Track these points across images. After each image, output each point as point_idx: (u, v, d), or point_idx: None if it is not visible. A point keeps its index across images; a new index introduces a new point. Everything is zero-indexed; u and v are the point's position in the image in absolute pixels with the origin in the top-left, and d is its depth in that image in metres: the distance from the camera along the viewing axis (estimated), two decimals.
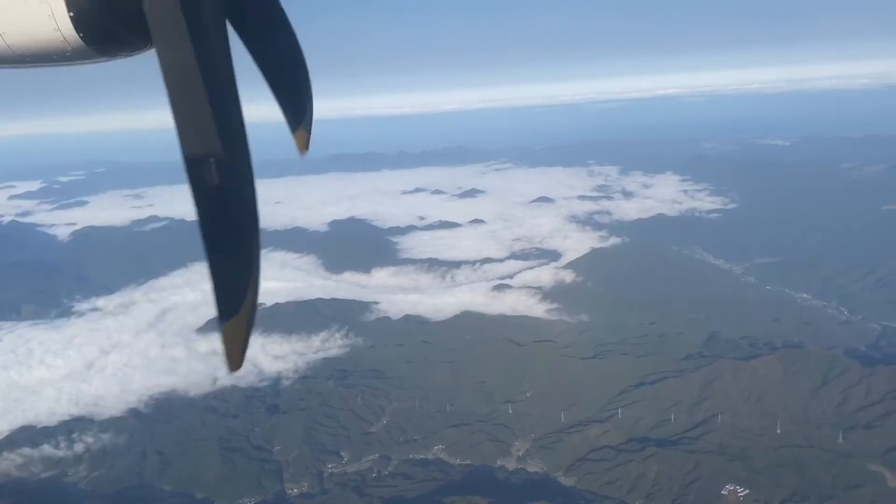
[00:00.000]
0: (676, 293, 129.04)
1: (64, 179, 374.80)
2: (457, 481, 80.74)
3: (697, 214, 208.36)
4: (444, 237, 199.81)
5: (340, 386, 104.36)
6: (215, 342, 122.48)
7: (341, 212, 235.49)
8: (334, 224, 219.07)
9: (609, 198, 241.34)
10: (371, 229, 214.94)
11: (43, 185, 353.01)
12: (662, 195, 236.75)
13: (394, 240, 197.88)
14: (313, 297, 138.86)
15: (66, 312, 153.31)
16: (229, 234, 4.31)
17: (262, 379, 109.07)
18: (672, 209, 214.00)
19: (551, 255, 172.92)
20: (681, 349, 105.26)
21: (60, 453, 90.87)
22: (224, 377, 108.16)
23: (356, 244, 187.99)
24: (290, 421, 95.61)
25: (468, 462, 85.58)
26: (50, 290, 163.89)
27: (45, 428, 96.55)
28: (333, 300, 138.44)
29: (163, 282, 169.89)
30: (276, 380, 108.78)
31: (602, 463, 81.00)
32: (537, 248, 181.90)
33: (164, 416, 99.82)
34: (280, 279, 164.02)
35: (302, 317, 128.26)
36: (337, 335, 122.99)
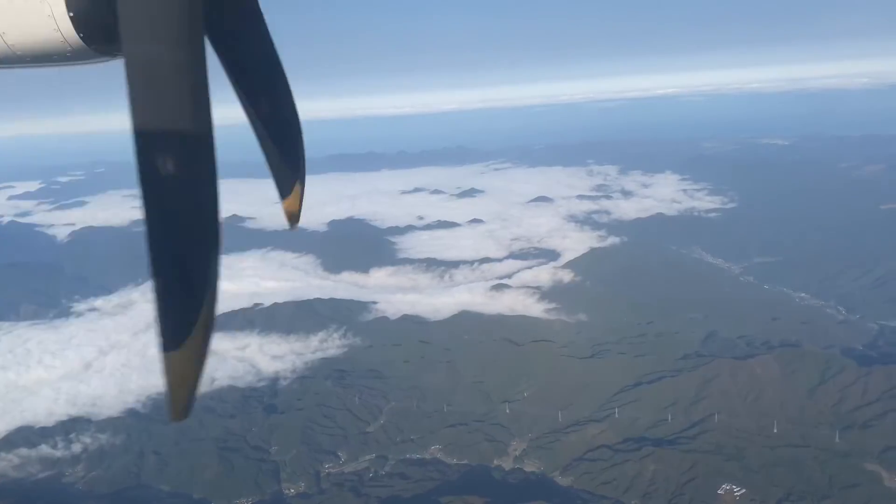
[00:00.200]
0: (674, 293, 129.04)
1: (63, 180, 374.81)
2: (453, 481, 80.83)
3: (696, 214, 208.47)
4: (443, 237, 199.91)
5: (338, 386, 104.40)
6: (213, 342, 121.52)
7: (340, 212, 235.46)
8: (333, 224, 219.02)
9: (608, 197, 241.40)
10: (370, 229, 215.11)
11: (42, 185, 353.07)
12: (661, 195, 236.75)
13: (392, 240, 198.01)
14: (311, 297, 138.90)
15: (65, 313, 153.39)
16: (184, 246, 3.74)
17: (259, 379, 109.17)
18: (671, 209, 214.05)
19: (550, 255, 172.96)
20: (678, 349, 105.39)
21: (58, 453, 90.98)
22: (221, 377, 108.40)
23: (355, 244, 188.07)
24: (287, 421, 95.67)
25: (465, 462, 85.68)
26: (48, 291, 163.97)
27: (43, 428, 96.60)
28: (332, 300, 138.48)
29: None
30: (274, 380, 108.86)
31: (599, 463, 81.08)
32: (536, 248, 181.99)
33: (161, 416, 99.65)
34: (278, 279, 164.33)
35: (300, 317, 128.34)
36: (335, 335, 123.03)
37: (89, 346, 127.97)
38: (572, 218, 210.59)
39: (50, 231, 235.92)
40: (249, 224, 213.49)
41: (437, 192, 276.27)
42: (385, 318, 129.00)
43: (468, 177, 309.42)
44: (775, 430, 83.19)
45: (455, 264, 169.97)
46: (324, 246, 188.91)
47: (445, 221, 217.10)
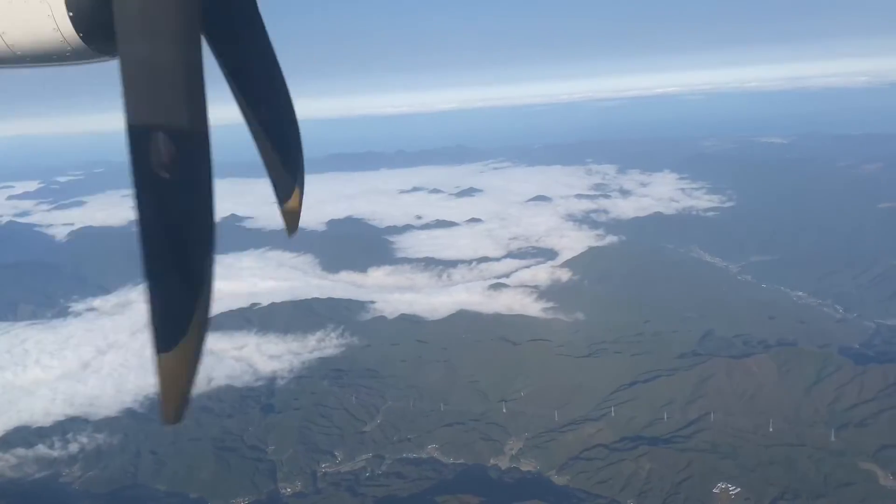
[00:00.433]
0: (672, 292, 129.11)
1: (62, 179, 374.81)
2: (449, 480, 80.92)
3: (694, 213, 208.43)
4: (441, 236, 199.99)
5: (335, 385, 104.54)
6: (210, 342, 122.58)
7: (339, 211, 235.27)
8: (331, 223, 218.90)
9: (606, 196, 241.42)
10: (368, 228, 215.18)
11: (41, 185, 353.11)
12: (659, 193, 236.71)
13: (391, 239, 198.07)
14: (309, 297, 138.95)
15: (63, 312, 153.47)
16: (178, 247, 3.73)
17: (257, 379, 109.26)
18: (669, 207, 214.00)
19: (548, 254, 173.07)
20: (675, 347, 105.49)
21: (55, 453, 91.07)
22: (219, 377, 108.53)
23: (353, 243, 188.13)
24: (284, 421, 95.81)
25: (461, 461, 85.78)
26: (47, 291, 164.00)
27: (40, 428, 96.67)
28: (329, 300, 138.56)
29: None
30: (272, 379, 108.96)
31: (595, 462, 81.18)
32: (534, 247, 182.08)
33: (158, 416, 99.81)
34: (276, 278, 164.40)
35: (298, 316, 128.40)
36: (332, 334, 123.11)
37: (87, 346, 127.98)
38: (570, 217, 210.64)
39: (49, 231, 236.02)
40: (247, 224, 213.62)
41: (435, 191, 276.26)
42: (383, 318, 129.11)
43: (467, 176, 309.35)
44: (771, 429, 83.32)
45: (453, 264, 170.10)
46: (322, 245, 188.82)
47: (444, 221, 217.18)
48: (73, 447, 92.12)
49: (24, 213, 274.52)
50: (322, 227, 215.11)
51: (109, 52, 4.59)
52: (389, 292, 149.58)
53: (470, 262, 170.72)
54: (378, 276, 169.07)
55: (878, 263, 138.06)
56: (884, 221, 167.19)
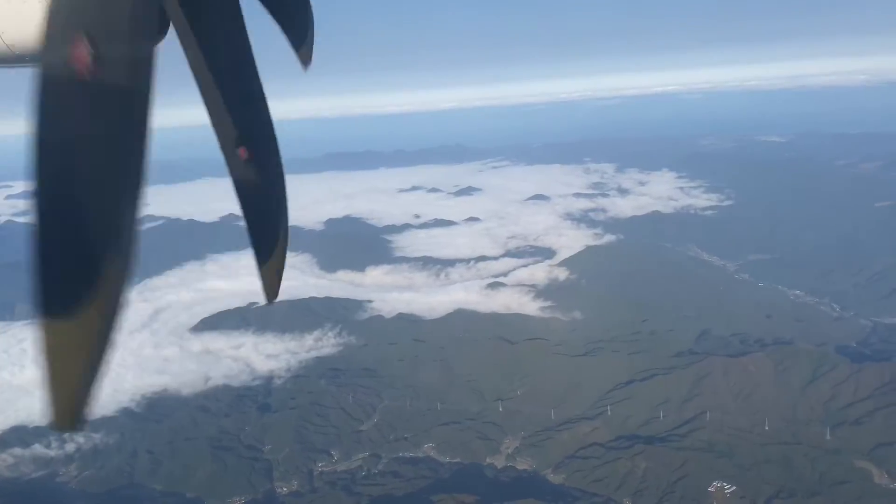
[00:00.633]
0: (669, 291, 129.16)
1: None
2: (445, 479, 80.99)
3: (692, 211, 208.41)
4: (440, 235, 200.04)
5: (332, 385, 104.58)
6: (208, 341, 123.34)
7: (337, 210, 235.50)
8: (330, 222, 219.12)
9: (604, 195, 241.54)
10: (366, 228, 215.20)
11: None
12: (658, 192, 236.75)
13: (389, 238, 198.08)
14: (307, 296, 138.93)
15: None
16: (261, 189, 4.49)
17: (254, 378, 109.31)
18: (667, 206, 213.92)
19: (546, 253, 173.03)
20: (672, 346, 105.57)
21: (51, 453, 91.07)
22: (216, 377, 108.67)
23: (351, 243, 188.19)
24: (281, 420, 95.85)
25: (457, 460, 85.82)
26: None
27: (37, 428, 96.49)
28: (327, 299, 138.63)
29: (157, 281, 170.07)
30: (269, 379, 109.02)
31: (591, 460, 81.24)
32: (532, 246, 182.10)
33: (155, 415, 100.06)
34: None
35: (295, 315, 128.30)
36: (330, 334, 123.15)
37: None
38: (569, 216, 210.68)
39: None
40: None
41: (434, 190, 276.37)
42: (380, 317, 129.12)
43: (466, 175, 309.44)
44: (767, 428, 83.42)
45: (451, 263, 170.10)
46: (320, 244, 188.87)
47: (442, 220, 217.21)
48: (70, 447, 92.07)
49: (23, 213, 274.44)
50: (320, 227, 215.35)
51: None
52: (387, 291, 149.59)
53: (468, 261, 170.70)
54: (376, 275, 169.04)
55: (875, 262, 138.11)
56: (881, 220, 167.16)
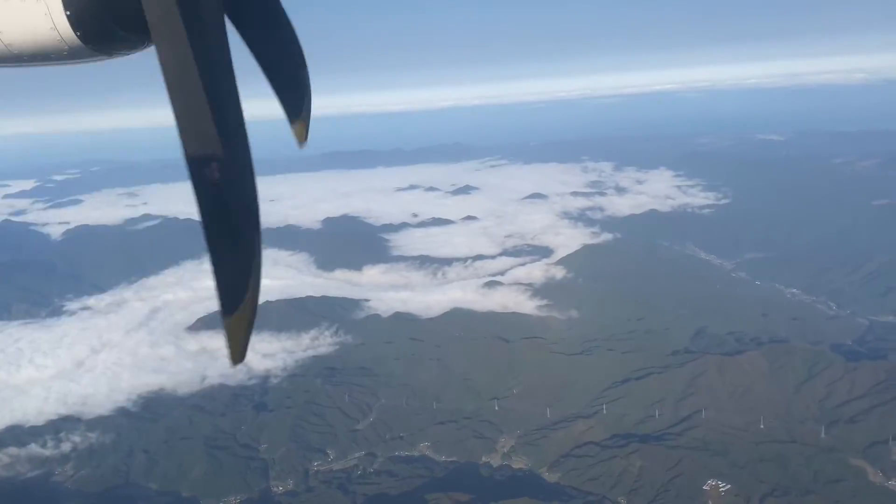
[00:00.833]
0: (666, 289, 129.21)
1: (58, 178, 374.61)
2: (441, 478, 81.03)
3: (690, 210, 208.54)
4: (437, 234, 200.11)
5: (328, 384, 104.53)
6: (205, 340, 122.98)
7: (335, 209, 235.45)
8: (327, 221, 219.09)
9: (602, 194, 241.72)
10: (364, 227, 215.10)
11: (37, 183, 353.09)
12: (655, 191, 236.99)
13: (386, 237, 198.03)
14: (304, 295, 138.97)
15: (58, 311, 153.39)
16: (230, 231, 4.31)
17: (250, 377, 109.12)
18: (665, 205, 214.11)
19: (543, 252, 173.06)
20: (667, 345, 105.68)
21: (47, 452, 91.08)
22: (212, 376, 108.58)
23: (348, 242, 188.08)
24: (277, 419, 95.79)
25: (453, 459, 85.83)
26: (42, 290, 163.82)
27: (33, 427, 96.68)
28: (324, 298, 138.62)
29: (154, 280, 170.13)
30: (265, 378, 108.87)
31: (586, 459, 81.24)
32: (529, 245, 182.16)
33: (151, 414, 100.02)
34: (271, 277, 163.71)
35: (292, 314, 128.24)
36: (326, 333, 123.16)
37: (81, 345, 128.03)
38: (566, 215, 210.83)
39: (44, 230, 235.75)
40: None
41: (432, 189, 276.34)
42: (377, 316, 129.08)
43: (464, 174, 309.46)
44: (762, 426, 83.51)
45: (448, 261, 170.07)
46: (317, 243, 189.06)
47: (440, 219, 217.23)
48: (66, 446, 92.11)
49: (20, 212, 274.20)
50: (317, 226, 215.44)
51: (107, 52, 4.63)
52: (384, 290, 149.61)
53: (465, 259, 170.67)
54: (373, 274, 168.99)
55: (872, 260, 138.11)
56: (878, 218, 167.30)
